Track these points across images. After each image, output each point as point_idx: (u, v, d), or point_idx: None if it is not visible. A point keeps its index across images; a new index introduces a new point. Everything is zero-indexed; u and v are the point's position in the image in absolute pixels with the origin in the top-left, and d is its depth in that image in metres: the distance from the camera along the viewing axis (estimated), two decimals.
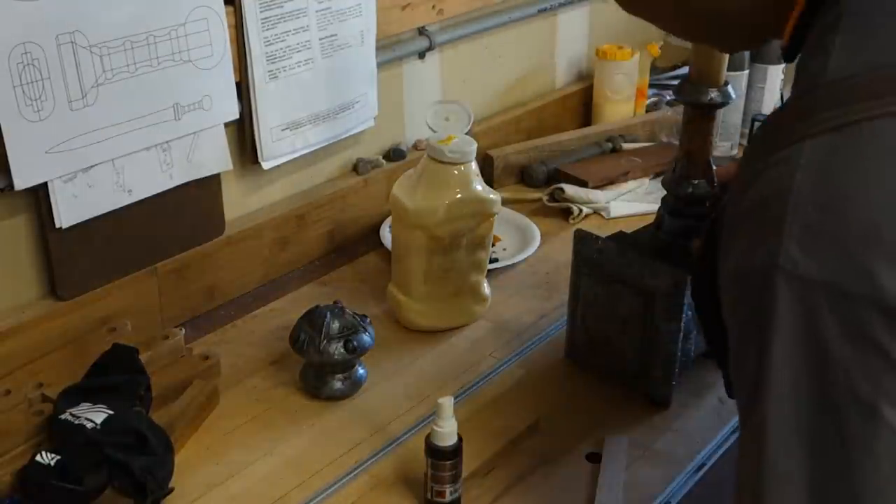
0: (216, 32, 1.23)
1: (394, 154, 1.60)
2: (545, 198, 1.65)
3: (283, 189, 1.46)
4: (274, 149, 1.37)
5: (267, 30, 1.30)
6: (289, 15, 1.32)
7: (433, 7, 1.56)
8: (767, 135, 0.65)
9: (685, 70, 2.15)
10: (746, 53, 1.84)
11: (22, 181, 1.09)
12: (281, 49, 1.33)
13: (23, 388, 1.09)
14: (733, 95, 1.16)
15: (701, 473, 1.06)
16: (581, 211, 1.62)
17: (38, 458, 0.95)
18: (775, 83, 1.88)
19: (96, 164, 1.16)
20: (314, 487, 1.03)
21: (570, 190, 1.64)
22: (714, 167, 1.16)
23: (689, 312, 1.11)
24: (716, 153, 1.86)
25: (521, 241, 1.52)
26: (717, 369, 1.20)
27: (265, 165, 1.38)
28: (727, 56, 1.14)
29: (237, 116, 1.31)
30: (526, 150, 1.76)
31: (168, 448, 1.02)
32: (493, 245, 1.44)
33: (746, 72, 1.84)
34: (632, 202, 1.65)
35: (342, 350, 1.13)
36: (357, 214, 1.54)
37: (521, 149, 1.76)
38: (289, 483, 1.04)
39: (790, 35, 0.69)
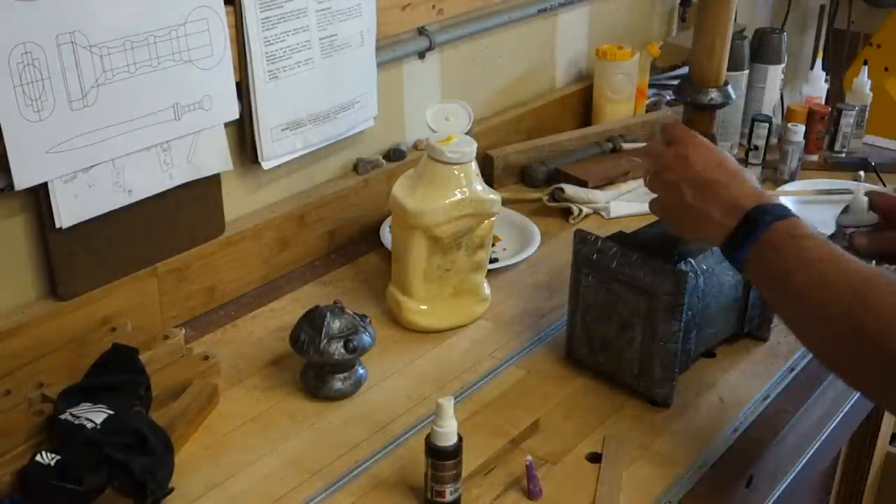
0: (216, 32, 1.23)
1: (394, 154, 1.60)
2: (545, 198, 1.65)
3: (283, 189, 1.46)
4: (274, 149, 1.37)
5: (267, 30, 1.30)
6: (289, 15, 1.32)
7: (433, 7, 1.56)
8: None
9: (685, 70, 2.15)
10: (746, 53, 1.84)
11: (22, 181, 1.09)
12: (281, 49, 1.33)
13: (23, 388, 1.09)
14: (733, 96, 1.16)
15: (701, 473, 1.06)
16: (581, 211, 1.62)
17: (38, 458, 0.95)
18: (775, 83, 1.89)
19: (96, 164, 1.16)
20: (314, 487, 1.03)
21: (570, 190, 1.64)
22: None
23: (690, 312, 1.11)
24: None
25: (521, 241, 1.52)
26: (717, 369, 1.21)
27: (265, 165, 1.38)
28: (727, 56, 1.13)
29: (237, 116, 1.31)
30: (526, 150, 1.76)
31: (168, 448, 1.02)
32: (493, 245, 1.44)
33: (746, 72, 1.85)
34: (632, 202, 1.65)
35: (342, 350, 1.13)
36: (357, 214, 1.54)
37: (521, 149, 1.76)
38: (289, 483, 1.04)
39: None
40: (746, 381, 1.21)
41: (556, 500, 1.02)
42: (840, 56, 2.66)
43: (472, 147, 1.25)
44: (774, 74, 1.87)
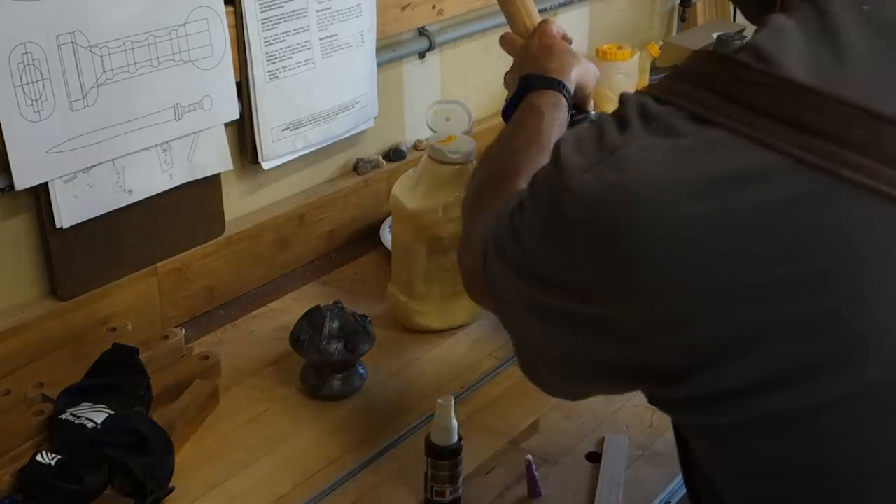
0: (216, 32, 1.23)
1: (394, 154, 1.60)
2: None
3: (283, 189, 1.46)
4: (274, 149, 1.37)
5: (267, 30, 1.30)
6: (289, 15, 1.32)
7: (433, 7, 1.56)
8: None
9: None
10: None
11: (22, 181, 1.09)
12: (281, 49, 1.33)
13: (23, 388, 1.09)
14: None
15: None
16: None
17: (38, 458, 0.96)
18: None
19: (96, 164, 1.16)
20: (314, 487, 1.03)
21: None
22: None
23: None
24: None
25: None
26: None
27: (265, 165, 1.38)
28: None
29: (237, 116, 1.31)
30: None
31: (168, 448, 1.02)
32: None
33: None
34: None
35: (342, 350, 1.13)
36: (357, 214, 1.54)
37: None
38: (289, 483, 1.04)
39: None
40: None
41: (556, 500, 1.02)
42: None
43: (472, 147, 1.25)
44: None
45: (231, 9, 1.25)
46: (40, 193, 1.13)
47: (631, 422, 1.14)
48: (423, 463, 0.99)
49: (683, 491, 1.03)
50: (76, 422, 0.99)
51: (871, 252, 0.58)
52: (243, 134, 1.35)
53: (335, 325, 1.14)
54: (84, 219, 1.17)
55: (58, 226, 1.15)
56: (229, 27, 1.25)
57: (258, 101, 1.32)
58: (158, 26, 1.16)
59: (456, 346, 1.29)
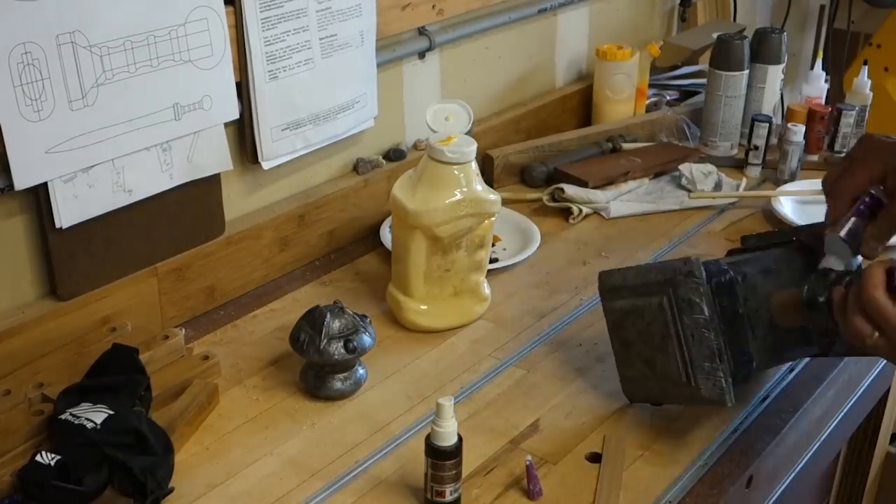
0: (216, 32, 1.23)
1: (394, 154, 1.60)
2: (545, 198, 1.65)
3: (283, 189, 1.46)
4: (274, 149, 1.37)
5: (267, 30, 1.30)
6: (289, 15, 1.32)
7: (433, 7, 1.56)
8: None
9: (685, 70, 2.16)
10: (746, 53, 1.84)
11: (22, 181, 1.09)
12: (281, 49, 1.33)
13: (23, 388, 1.09)
14: None
15: (701, 473, 1.06)
16: (581, 211, 1.62)
17: (38, 458, 0.95)
18: (775, 83, 1.88)
19: (96, 165, 1.16)
20: (314, 487, 1.04)
21: (570, 190, 1.64)
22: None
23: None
24: (714, 153, 1.87)
25: (521, 241, 1.52)
26: None
27: (265, 165, 1.38)
28: None
29: (237, 116, 1.31)
30: (526, 150, 1.76)
31: (168, 448, 1.02)
32: (493, 245, 1.44)
33: (746, 72, 1.84)
34: (632, 202, 1.66)
35: (342, 350, 1.13)
36: (357, 214, 1.54)
37: (521, 149, 1.76)
38: (289, 483, 1.04)
39: None
40: (746, 381, 1.20)
41: (556, 500, 1.02)
42: (840, 56, 2.66)
43: (472, 147, 1.25)
44: (774, 74, 1.87)
45: (231, 9, 1.25)
46: (40, 193, 1.13)
47: (631, 422, 1.14)
48: (423, 463, 0.99)
49: (684, 491, 1.04)
50: (76, 422, 0.99)
51: None
52: (243, 134, 1.35)
53: (335, 325, 1.14)
54: (84, 219, 1.17)
55: (57, 226, 1.15)
56: (229, 27, 1.25)
57: (258, 101, 1.32)
58: (158, 26, 1.16)
59: (456, 346, 1.29)
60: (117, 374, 1.08)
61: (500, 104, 1.83)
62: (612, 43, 1.92)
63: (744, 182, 1.74)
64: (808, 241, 1.10)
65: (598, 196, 1.64)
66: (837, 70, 2.56)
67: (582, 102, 1.96)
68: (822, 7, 2.73)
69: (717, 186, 1.70)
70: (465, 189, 1.25)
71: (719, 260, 1.10)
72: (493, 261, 1.43)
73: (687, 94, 2.10)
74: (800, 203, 1.65)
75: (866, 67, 1.93)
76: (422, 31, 1.59)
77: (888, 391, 1.63)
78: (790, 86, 2.37)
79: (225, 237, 1.35)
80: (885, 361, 1.37)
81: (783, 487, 1.22)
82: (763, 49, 1.86)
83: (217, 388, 1.16)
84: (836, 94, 2.26)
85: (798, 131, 1.73)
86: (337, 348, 1.13)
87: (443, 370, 1.23)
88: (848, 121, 1.82)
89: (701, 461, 1.08)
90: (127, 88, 1.15)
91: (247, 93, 1.31)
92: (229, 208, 1.37)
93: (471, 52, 1.72)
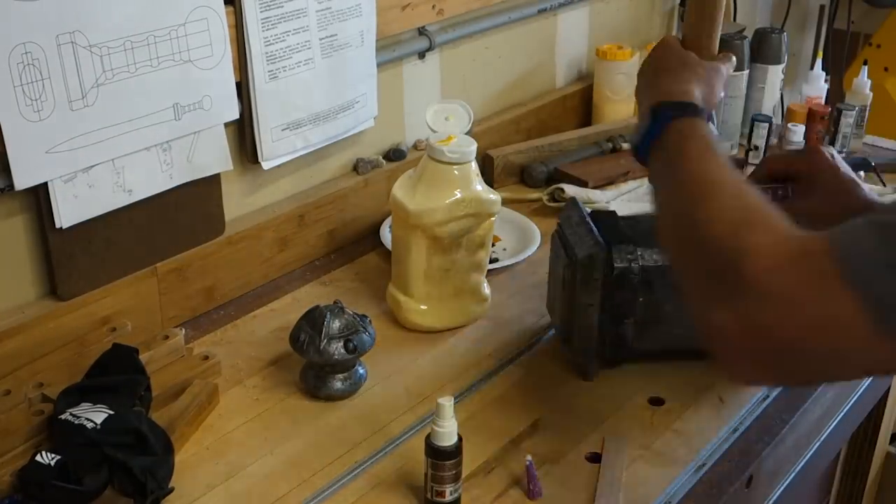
0: (216, 32, 1.23)
1: (394, 154, 1.60)
2: (545, 198, 1.65)
3: (283, 189, 1.46)
4: (274, 149, 1.37)
5: (267, 30, 1.30)
6: (289, 15, 1.32)
7: (433, 7, 1.56)
8: None
9: None
10: (747, 53, 1.84)
11: (22, 181, 1.09)
12: (281, 49, 1.33)
13: (23, 388, 1.09)
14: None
15: (701, 473, 1.06)
16: None
17: (38, 458, 0.95)
18: (775, 83, 1.88)
19: (96, 164, 1.16)
20: (314, 487, 1.03)
21: (570, 190, 1.64)
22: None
23: (614, 293, 1.14)
24: None
25: (521, 241, 1.52)
26: (716, 369, 1.21)
27: (265, 165, 1.38)
28: (719, 31, 1.12)
29: (237, 116, 1.31)
30: (526, 150, 1.76)
31: (168, 448, 1.02)
32: (493, 245, 1.44)
33: (746, 72, 1.85)
34: (632, 202, 1.65)
35: (342, 350, 1.13)
36: (357, 214, 1.54)
37: (521, 149, 1.76)
38: (289, 483, 1.04)
39: None
40: None
41: (556, 500, 1.02)
42: (840, 56, 2.66)
43: (472, 147, 1.25)
44: (774, 74, 1.87)
45: (231, 9, 1.25)
46: (40, 193, 1.13)
47: (631, 422, 1.14)
48: (423, 463, 0.99)
49: (683, 491, 1.04)
50: (76, 422, 0.99)
51: None
52: (243, 134, 1.35)
53: (335, 325, 1.14)
54: (84, 219, 1.17)
55: (57, 226, 1.15)
56: (229, 27, 1.25)
57: (258, 101, 1.32)
58: (158, 26, 1.16)
59: (456, 346, 1.29)
60: (117, 374, 1.08)
61: (500, 104, 1.83)
62: (612, 43, 1.92)
63: None
64: None
65: (598, 196, 1.64)
66: (837, 70, 2.56)
67: (582, 102, 1.96)
68: (822, 7, 2.73)
69: None
70: (465, 189, 1.25)
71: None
72: (493, 261, 1.43)
73: None
74: None
75: (866, 67, 1.93)
76: (422, 31, 1.59)
77: (888, 391, 1.64)
78: (790, 86, 2.37)
79: (225, 237, 1.35)
80: None
81: (783, 487, 1.22)
82: (763, 49, 1.86)
83: (217, 388, 1.16)
84: (836, 94, 2.26)
85: (798, 131, 1.73)
86: (337, 348, 1.13)
87: (443, 370, 1.23)
88: (848, 121, 1.82)
89: (701, 461, 1.08)
90: (127, 88, 1.15)
91: (247, 93, 1.31)
92: (229, 208, 1.37)
93: (471, 52, 1.72)
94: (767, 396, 1.19)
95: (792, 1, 2.59)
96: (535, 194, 1.68)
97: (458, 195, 1.24)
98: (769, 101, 1.89)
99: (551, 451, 1.09)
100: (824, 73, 1.97)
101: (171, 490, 1.00)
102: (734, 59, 1.12)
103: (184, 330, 1.24)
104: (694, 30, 1.13)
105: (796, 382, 1.05)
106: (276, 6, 1.30)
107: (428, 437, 0.98)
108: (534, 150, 1.77)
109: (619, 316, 1.17)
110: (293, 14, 1.33)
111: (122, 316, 1.23)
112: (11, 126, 1.06)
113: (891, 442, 1.84)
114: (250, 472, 1.06)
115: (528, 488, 1.02)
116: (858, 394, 1.40)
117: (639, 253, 1.15)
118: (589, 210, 1.24)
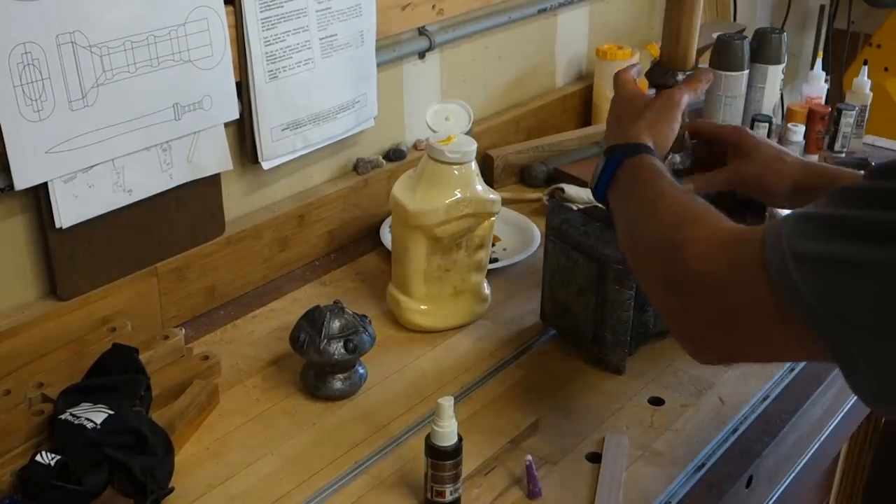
0: (216, 32, 1.23)
1: (394, 154, 1.60)
2: (545, 198, 1.65)
3: (283, 189, 1.46)
4: (274, 149, 1.37)
5: (267, 30, 1.30)
6: (289, 15, 1.32)
7: (433, 7, 1.56)
8: None
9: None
10: (746, 53, 1.84)
11: (22, 181, 1.09)
12: (281, 49, 1.33)
13: (23, 388, 1.09)
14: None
15: (701, 473, 1.06)
16: None
17: (38, 458, 0.95)
18: (775, 83, 1.88)
19: (96, 164, 1.16)
20: (314, 487, 1.03)
21: (570, 190, 1.64)
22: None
23: None
24: None
25: (521, 241, 1.52)
26: (716, 369, 1.22)
27: (265, 165, 1.38)
28: (695, 40, 1.17)
29: (237, 116, 1.31)
30: (526, 150, 1.76)
31: (168, 448, 1.02)
32: (493, 245, 1.44)
33: (746, 72, 1.84)
34: None
35: (342, 350, 1.13)
36: (357, 214, 1.54)
37: (521, 149, 1.76)
38: (289, 483, 1.04)
39: None
40: (746, 381, 1.21)
41: (556, 500, 1.02)
42: (840, 56, 2.66)
43: (472, 147, 1.25)
44: (774, 74, 1.87)
45: (231, 8, 1.25)
46: (40, 193, 1.13)
47: (631, 422, 1.14)
48: (423, 463, 0.99)
49: (683, 491, 1.04)
50: (76, 422, 0.99)
51: None
52: (243, 134, 1.35)
53: (335, 325, 1.14)
54: (84, 219, 1.17)
55: (57, 226, 1.15)
56: (229, 27, 1.25)
57: (258, 101, 1.32)
58: (158, 26, 1.16)
59: (456, 346, 1.29)
60: (117, 374, 1.08)
61: (500, 104, 1.83)
62: (612, 43, 1.92)
63: None
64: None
65: None
66: (837, 70, 2.56)
67: (582, 102, 1.96)
68: (822, 7, 2.73)
69: None
70: (465, 189, 1.25)
71: None
72: (493, 261, 1.43)
73: None
74: None
75: (866, 67, 1.93)
76: (422, 31, 1.59)
77: None
78: (790, 86, 2.37)
79: (225, 237, 1.35)
80: None
81: (783, 487, 1.22)
82: (763, 49, 1.86)
83: (217, 388, 1.16)
84: (836, 94, 2.26)
85: (798, 131, 1.73)
86: (337, 348, 1.13)
87: (443, 370, 1.23)
88: (848, 121, 1.82)
89: (700, 461, 1.08)
90: (127, 88, 1.15)
91: (247, 93, 1.31)
92: (229, 208, 1.37)
93: (471, 51, 1.72)
94: (768, 396, 1.19)
95: (792, 1, 2.59)
96: (535, 194, 1.68)
97: (458, 195, 1.24)
98: (769, 101, 1.89)
99: (551, 451, 1.09)
100: (824, 73, 1.97)
101: (171, 490, 1.00)
102: (708, 75, 1.21)
103: (184, 330, 1.24)
104: (664, 41, 1.20)
105: (734, 361, 1.13)
106: (276, 6, 1.30)
107: (428, 437, 0.98)
108: (534, 150, 1.77)
109: (643, 304, 1.19)
110: (293, 14, 1.33)
111: (122, 316, 1.23)
112: (11, 126, 1.06)
113: None
114: (250, 472, 1.06)
115: (528, 488, 1.02)
116: None
117: None
118: (575, 209, 1.25)
